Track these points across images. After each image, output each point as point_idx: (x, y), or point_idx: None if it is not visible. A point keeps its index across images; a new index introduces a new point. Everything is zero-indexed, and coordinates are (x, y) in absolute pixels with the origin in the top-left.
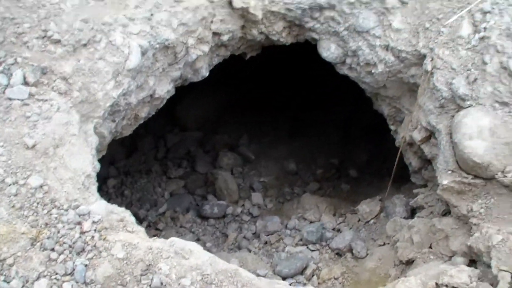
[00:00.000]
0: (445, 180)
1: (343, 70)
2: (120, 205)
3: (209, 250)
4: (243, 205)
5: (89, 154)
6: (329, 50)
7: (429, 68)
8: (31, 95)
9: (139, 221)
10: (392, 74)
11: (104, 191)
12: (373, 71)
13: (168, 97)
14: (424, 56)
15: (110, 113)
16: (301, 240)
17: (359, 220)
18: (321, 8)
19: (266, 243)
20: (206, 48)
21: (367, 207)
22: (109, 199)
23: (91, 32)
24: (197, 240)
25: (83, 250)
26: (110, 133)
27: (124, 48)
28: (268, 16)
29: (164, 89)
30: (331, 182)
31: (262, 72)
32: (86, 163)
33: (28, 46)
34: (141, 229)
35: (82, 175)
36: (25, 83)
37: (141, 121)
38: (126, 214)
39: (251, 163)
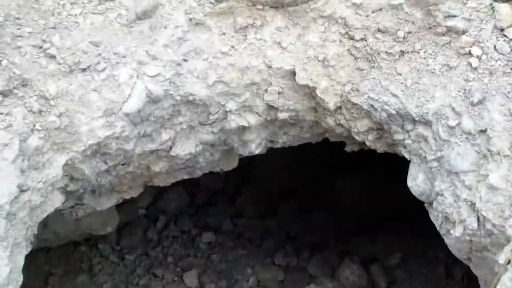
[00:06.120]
0: None
1: (433, 215)
2: None
3: None
4: None
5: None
6: (415, 180)
7: (502, 259)
8: None
9: None
10: (476, 247)
11: None
12: (451, 231)
13: (202, 161)
14: None
15: (98, 153)
16: None
17: None
18: (413, 121)
19: None
20: (252, 119)
21: None
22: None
23: (96, 58)
24: None
25: None
26: (100, 175)
27: (126, 87)
28: (348, 107)
29: (186, 150)
30: None
31: None
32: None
33: (21, 51)
34: None
35: None
36: None
37: (164, 176)
38: None
39: None
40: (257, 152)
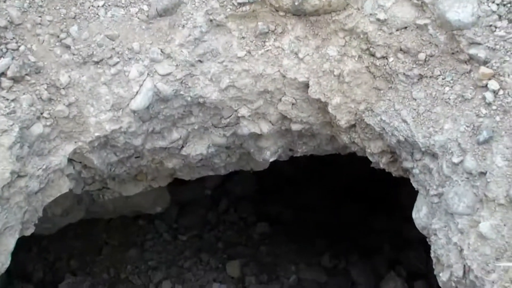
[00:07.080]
0: None
1: (431, 253)
2: None
3: None
4: None
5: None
6: (419, 213)
7: None
8: (1, 88)
9: None
10: None
11: None
12: (440, 274)
13: (219, 162)
14: None
15: (107, 145)
16: None
17: None
18: (421, 150)
19: None
20: (265, 127)
21: None
22: None
23: (110, 52)
24: None
25: None
26: (112, 165)
27: (134, 84)
28: (362, 127)
29: (198, 150)
30: None
31: None
32: None
33: (39, 39)
34: None
35: None
36: (4, 74)
37: (188, 171)
38: None
39: None
40: (272, 159)
